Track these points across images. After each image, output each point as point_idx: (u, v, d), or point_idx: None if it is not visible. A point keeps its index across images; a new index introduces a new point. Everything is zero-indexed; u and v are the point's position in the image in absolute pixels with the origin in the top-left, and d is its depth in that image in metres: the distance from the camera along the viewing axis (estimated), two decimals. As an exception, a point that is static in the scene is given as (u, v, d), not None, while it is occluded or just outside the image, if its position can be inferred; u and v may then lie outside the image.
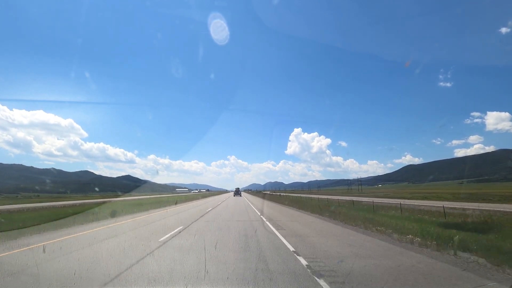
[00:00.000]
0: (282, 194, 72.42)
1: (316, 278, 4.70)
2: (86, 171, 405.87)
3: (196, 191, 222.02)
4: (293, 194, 68.56)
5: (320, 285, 4.37)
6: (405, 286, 4.36)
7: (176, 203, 31.23)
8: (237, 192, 73.63)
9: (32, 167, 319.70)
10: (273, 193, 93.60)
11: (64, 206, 28.17)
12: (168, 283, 4.39)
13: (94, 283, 4.45)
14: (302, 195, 61.61)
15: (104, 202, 30.40)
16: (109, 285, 4.37)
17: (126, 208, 21.70)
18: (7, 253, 6.76)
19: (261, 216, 15.85)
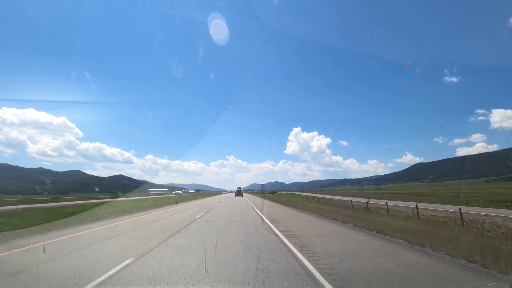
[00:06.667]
0: (314, 195, 50.33)
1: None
2: (77, 171, 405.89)
3: (180, 192, 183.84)
4: (329, 196, 53.89)
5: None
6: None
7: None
8: (239, 192, 73.68)
9: (17, 166, 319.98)
10: (309, 194, 68.46)
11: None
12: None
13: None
14: (341, 197, 49.53)
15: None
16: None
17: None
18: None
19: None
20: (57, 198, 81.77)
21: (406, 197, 60.63)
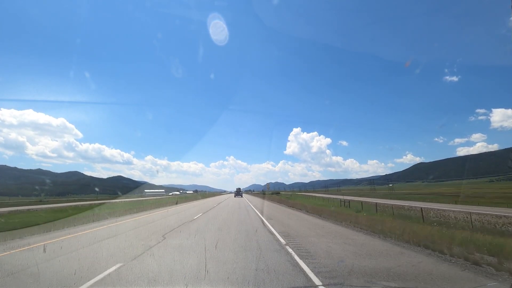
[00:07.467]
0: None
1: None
2: (76, 172, 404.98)
3: (178, 193, 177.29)
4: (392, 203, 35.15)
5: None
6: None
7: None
8: (238, 193, 75.69)
9: (16, 167, 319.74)
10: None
11: None
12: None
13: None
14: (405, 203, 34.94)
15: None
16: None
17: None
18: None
19: None
20: (41, 201, 76.86)
21: (440, 199, 49.40)
